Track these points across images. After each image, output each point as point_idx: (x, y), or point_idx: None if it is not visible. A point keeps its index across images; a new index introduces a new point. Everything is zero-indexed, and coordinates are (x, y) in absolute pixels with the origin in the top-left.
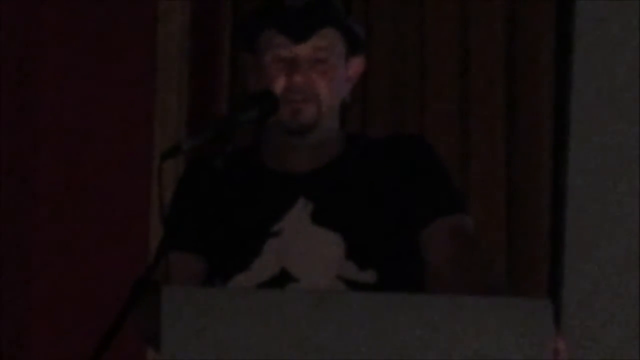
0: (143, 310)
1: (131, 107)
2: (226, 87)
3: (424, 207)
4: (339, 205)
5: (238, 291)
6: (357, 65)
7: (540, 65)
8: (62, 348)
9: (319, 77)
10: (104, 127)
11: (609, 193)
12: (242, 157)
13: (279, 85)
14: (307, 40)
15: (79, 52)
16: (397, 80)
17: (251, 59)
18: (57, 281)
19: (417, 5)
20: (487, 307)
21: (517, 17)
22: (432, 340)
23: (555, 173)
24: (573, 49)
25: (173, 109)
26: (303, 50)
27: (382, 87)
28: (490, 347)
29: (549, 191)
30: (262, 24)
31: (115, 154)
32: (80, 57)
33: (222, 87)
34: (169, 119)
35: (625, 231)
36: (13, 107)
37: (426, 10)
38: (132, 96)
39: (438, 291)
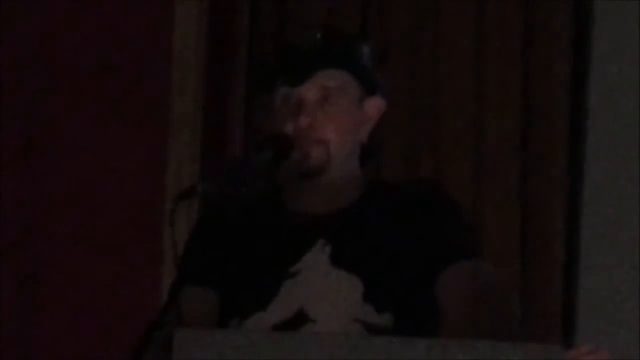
0: (154, 353)
1: (144, 149)
2: (240, 130)
3: (440, 253)
4: (357, 248)
5: (250, 333)
6: (374, 105)
7: (557, 85)
8: None
9: (325, 118)
10: (117, 170)
11: (624, 235)
12: (262, 197)
13: (287, 128)
14: (306, 82)
15: (92, 91)
16: (411, 102)
17: (267, 100)
18: (69, 323)
19: (432, 33)
20: (501, 352)
21: (533, 36)
22: None
23: (570, 198)
24: (590, 68)
25: (186, 151)
26: (308, 91)
27: (397, 114)
28: None
29: (565, 227)
30: (270, 67)
31: (128, 197)
32: (92, 97)
33: (236, 130)
34: (183, 161)
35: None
36: (25, 150)
37: (441, 30)
38: (145, 139)
39: (453, 336)
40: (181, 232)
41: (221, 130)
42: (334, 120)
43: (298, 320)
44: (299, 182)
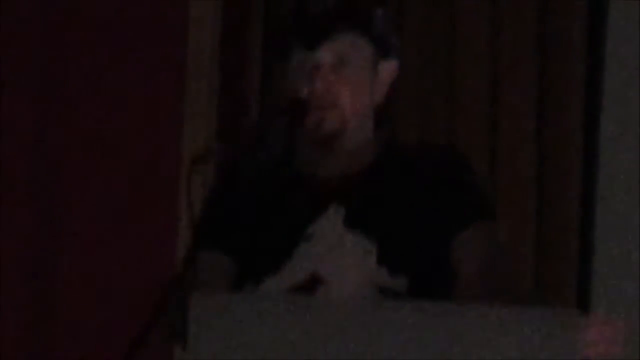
0: (170, 317)
1: (161, 113)
2: (257, 94)
3: (455, 216)
4: (371, 211)
5: (266, 297)
6: (388, 69)
7: (571, 64)
8: (92, 352)
9: (340, 82)
10: (134, 132)
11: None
12: (276, 161)
13: (303, 92)
14: (321, 47)
15: (110, 55)
16: (426, 75)
17: (282, 67)
18: (86, 284)
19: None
20: (516, 316)
21: (548, 16)
22: (461, 349)
23: (585, 173)
24: (605, 52)
25: (203, 115)
26: (323, 56)
27: (411, 83)
28: (518, 356)
29: (580, 195)
30: (286, 33)
31: (144, 160)
32: (110, 62)
33: (253, 94)
34: (199, 125)
35: None
36: (42, 112)
37: (457, 8)
38: (162, 102)
39: (467, 300)
40: (197, 197)
41: (238, 92)
42: (349, 85)
43: (312, 284)
44: (314, 146)
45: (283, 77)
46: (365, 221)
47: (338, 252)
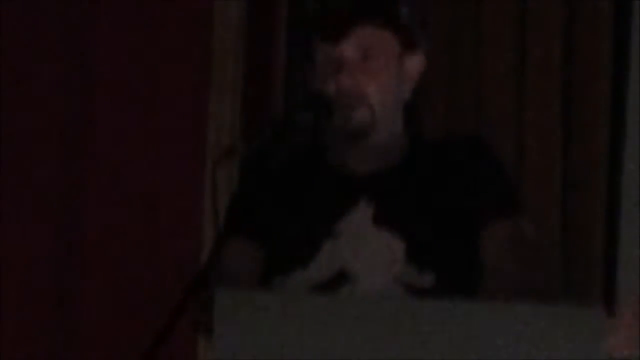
0: (196, 304)
1: (185, 108)
2: (281, 88)
3: (482, 211)
4: (399, 208)
5: (291, 294)
6: (415, 63)
7: (599, 52)
8: (116, 344)
9: (366, 77)
10: (158, 128)
11: None
12: (305, 155)
13: (330, 87)
14: (345, 40)
15: (134, 51)
16: (452, 68)
17: (310, 67)
18: (107, 282)
19: None
20: (541, 315)
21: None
22: (485, 347)
23: (612, 168)
24: (631, 44)
25: (227, 110)
26: (347, 50)
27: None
28: (543, 355)
29: (606, 189)
30: (310, 29)
31: (168, 156)
32: (134, 57)
33: (277, 88)
34: (224, 120)
35: None
36: (66, 110)
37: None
38: (186, 97)
39: (495, 296)
40: (221, 191)
41: (263, 88)
42: (375, 79)
43: (339, 280)
44: (344, 142)
45: (311, 74)
46: (394, 218)
47: (366, 249)
